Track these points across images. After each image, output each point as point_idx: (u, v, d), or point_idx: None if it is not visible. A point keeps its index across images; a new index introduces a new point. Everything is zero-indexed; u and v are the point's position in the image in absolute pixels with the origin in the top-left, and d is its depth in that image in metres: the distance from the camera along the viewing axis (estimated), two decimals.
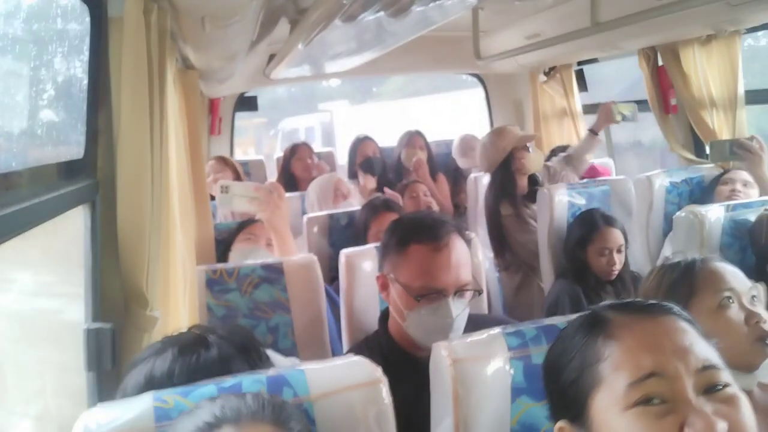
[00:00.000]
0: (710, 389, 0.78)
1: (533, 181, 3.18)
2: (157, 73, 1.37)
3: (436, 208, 3.35)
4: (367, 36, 2.51)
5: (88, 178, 1.37)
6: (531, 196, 3.08)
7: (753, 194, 2.58)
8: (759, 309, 1.26)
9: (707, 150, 2.97)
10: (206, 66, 2.50)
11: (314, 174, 3.84)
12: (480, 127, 5.08)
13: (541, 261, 2.89)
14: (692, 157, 3.17)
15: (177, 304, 1.55)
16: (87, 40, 1.35)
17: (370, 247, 1.93)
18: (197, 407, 0.78)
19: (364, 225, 2.42)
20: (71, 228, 1.35)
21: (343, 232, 2.55)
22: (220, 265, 2.02)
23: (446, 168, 4.48)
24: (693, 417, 0.75)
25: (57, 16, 1.34)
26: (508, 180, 3.14)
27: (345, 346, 1.91)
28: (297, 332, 1.96)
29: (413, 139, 4.18)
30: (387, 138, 4.52)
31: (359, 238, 2.38)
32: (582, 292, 2.47)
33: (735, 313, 1.26)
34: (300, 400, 0.87)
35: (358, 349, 1.59)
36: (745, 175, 2.65)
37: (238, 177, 3.52)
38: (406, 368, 1.37)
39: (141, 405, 0.83)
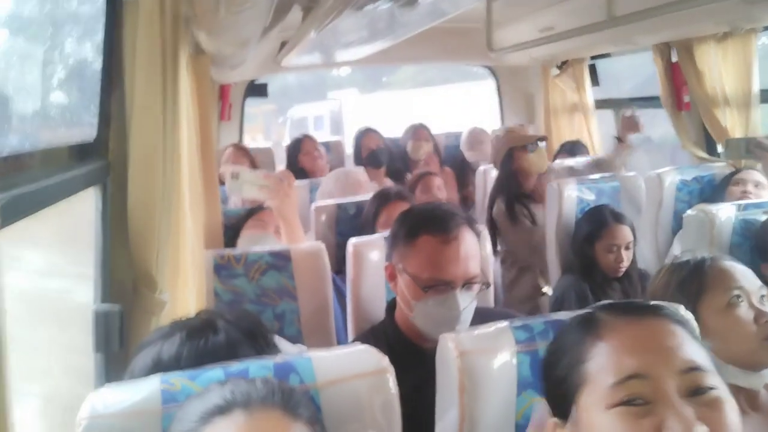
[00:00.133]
0: (695, 392, 0.78)
1: None
2: (171, 57, 1.37)
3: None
4: (380, 25, 2.50)
5: (99, 160, 1.37)
6: (539, 195, 3.09)
7: (765, 195, 2.56)
8: None
9: (719, 148, 2.95)
10: (218, 51, 2.50)
11: (321, 163, 3.86)
12: (491, 120, 5.06)
13: (548, 256, 2.89)
14: (704, 155, 3.15)
15: (185, 288, 1.56)
16: (101, 22, 1.35)
17: (379, 237, 1.93)
18: (207, 390, 0.78)
19: (374, 213, 2.41)
20: (82, 209, 1.35)
21: (351, 222, 2.54)
22: (228, 251, 2.03)
23: (454, 160, 4.47)
24: (672, 419, 0.75)
25: None
26: (505, 178, 3.20)
27: (350, 335, 1.91)
28: (303, 320, 1.96)
29: (418, 131, 4.19)
30: (396, 129, 4.52)
31: (367, 228, 2.37)
32: (589, 289, 2.46)
33: (744, 311, 1.25)
34: (306, 387, 0.88)
35: (363, 338, 1.60)
36: (757, 175, 2.63)
37: (254, 166, 3.52)
38: (411, 359, 1.37)
39: (148, 387, 0.84)
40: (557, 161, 3.68)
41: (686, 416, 0.75)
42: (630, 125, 3.25)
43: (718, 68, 2.88)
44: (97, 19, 1.35)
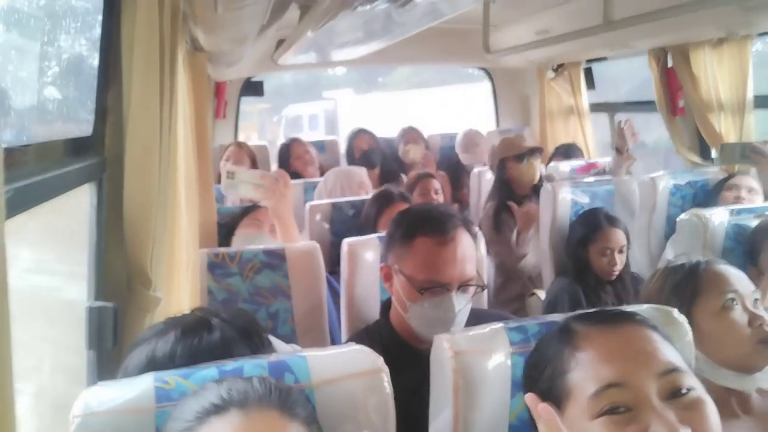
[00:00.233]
0: (674, 394, 0.79)
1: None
2: (169, 54, 1.36)
3: None
4: (376, 26, 2.50)
5: (95, 156, 1.36)
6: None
7: (758, 201, 2.57)
8: (762, 312, 1.27)
9: (713, 153, 2.96)
10: (215, 48, 2.49)
11: (311, 170, 3.85)
12: (486, 122, 5.07)
13: (541, 258, 2.89)
14: (698, 160, 3.16)
15: (180, 286, 1.55)
16: (99, 17, 1.34)
17: (373, 237, 1.93)
18: (203, 389, 0.78)
19: (375, 214, 2.40)
20: (76, 206, 1.35)
21: (346, 221, 2.54)
22: (223, 249, 2.02)
23: (449, 162, 4.48)
24: (656, 424, 0.76)
25: None
26: (496, 186, 3.22)
27: (344, 335, 1.91)
28: (297, 319, 1.96)
29: (408, 134, 4.21)
30: (391, 129, 4.52)
31: (366, 228, 2.35)
32: (582, 291, 2.47)
33: (738, 315, 1.26)
34: (301, 386, 0.87)
35: (358, 338, 1.59)
36: (750, 181, 2.64)
37: (254, 165, 3.51)
38: (405, 359, 1.37)
39: (142, 385, 0.83)
40: (551, 164, 3.69)
41: (670, 420, 0.76)
42: (627, 135, 3.23)
43: (713, 73, 2.90)
44: (95, 14, 1.34)
